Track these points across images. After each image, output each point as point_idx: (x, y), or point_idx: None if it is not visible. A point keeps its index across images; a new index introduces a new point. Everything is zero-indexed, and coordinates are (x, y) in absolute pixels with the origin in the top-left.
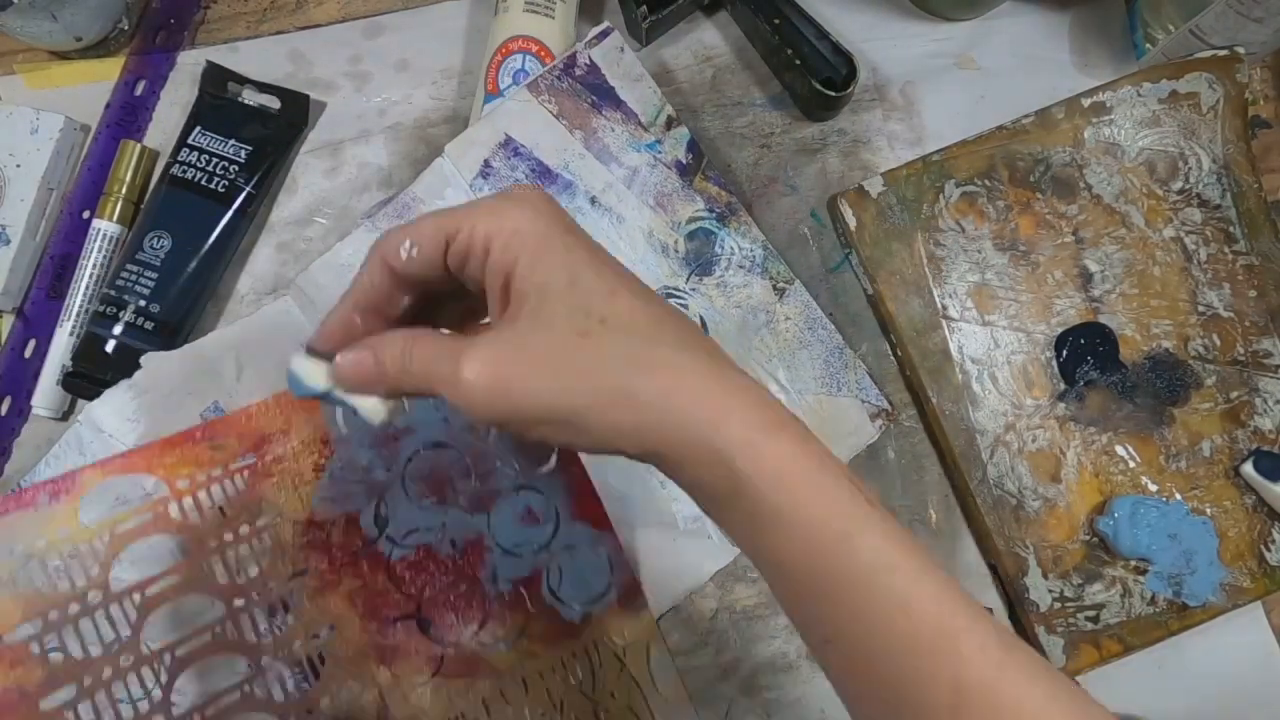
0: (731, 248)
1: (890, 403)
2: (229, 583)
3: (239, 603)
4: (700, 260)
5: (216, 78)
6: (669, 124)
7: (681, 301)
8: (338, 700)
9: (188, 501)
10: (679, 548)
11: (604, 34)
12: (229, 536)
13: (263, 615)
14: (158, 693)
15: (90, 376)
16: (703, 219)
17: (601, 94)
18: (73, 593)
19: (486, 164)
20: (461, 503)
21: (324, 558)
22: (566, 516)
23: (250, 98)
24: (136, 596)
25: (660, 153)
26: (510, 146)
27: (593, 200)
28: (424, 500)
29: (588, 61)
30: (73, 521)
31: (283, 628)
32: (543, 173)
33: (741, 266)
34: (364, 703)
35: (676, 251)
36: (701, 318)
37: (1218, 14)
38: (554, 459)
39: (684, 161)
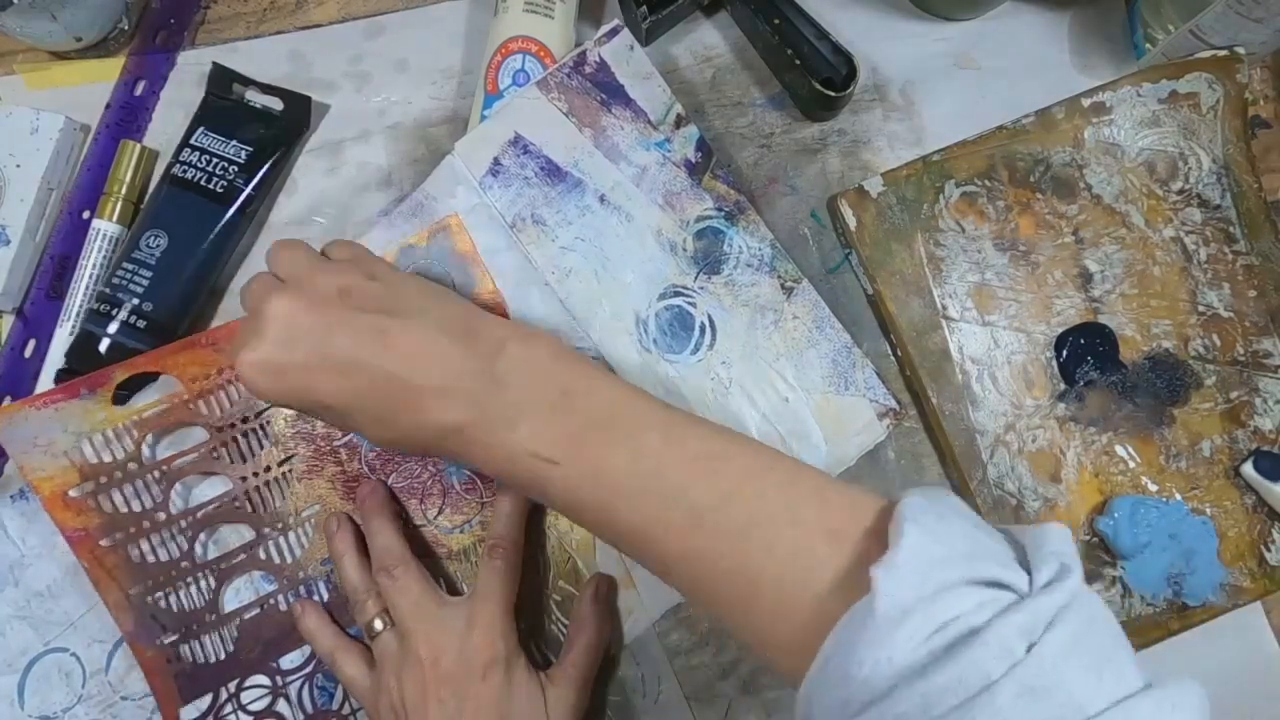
0: (740, 246)
1: (898, 401)
2: (236, 463)
3: (244, 480)
4: (709, 259)
5: (222, 79)
6: (678, 122)
7: (690, 300)
8: (323, 565)
9: (199, 396)
10: None
11: (614, 32)
12: (234, 425)
13: (264, 492)
14: (185, 545)
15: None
16: (711, 218)
17: (611, 92)
18: (115, 463)
19: (496, 162)
20: None
21: (310, 446)
22: None
23: (255, 99)
24: (164, 469)
25: (669, 151)
26: (520, 144)
27: (602, 199)
28: None
29: (598, 59)
30: (109, 409)
31: (279, 503)
32: (552, 171)
33: (750, 265)
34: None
35: (685, 250)
36: (710, 316)
37: (1218, 14)
38: None
39: (693, 160)
